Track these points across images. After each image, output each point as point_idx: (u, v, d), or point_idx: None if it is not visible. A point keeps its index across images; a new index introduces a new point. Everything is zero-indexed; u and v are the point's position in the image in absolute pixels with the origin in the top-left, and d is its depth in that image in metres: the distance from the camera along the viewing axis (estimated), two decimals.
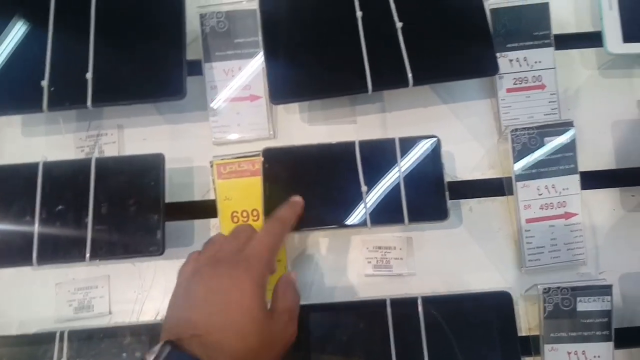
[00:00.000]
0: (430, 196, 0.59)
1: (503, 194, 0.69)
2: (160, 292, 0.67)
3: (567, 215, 0.65)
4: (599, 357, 0.61)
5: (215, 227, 0.69)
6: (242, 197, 0.66)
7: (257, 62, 0.71)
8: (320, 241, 0.68)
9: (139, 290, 0.67)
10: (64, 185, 0.61)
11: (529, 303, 0.65)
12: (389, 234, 0.68)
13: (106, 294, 0.67)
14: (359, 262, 0.67)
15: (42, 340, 0.58)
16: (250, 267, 0.47)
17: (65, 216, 0.60)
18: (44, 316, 0.66)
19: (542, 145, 0.66)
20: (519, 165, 0.65)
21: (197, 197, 0.70)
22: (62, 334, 0.58)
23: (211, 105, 0.71)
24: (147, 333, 0.58)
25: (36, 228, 0.59)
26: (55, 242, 0.59)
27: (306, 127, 0.72)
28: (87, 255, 0.59)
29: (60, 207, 0.60)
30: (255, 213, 0.66)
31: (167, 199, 0.64)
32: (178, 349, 0.41)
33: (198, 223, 0.69)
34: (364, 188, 0.59)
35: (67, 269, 0.68)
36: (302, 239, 0.68)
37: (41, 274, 0.68)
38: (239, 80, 0.71)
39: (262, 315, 0.46)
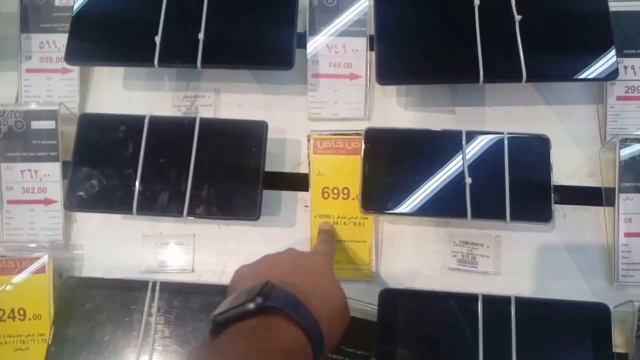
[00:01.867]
0: (534, 196, 0.58)
1: (600, 204, 0.67)
2: (242, 256, 0.68)
3: None
4: None
5: (302, 200, 0.69)
6: (334, 174, 0.66)
7: (362, 42, 0.70)
8: (407, 229, 0.68)
9: (222, 253, 0.68)
10: (168, 141, 0.63)
11: (617, 320, 0.63)
12: (477, 230, 0.67)
13: (191, 252, 0.68)
14: (443, 255, 0.66)
15: (135, 287, 0.59)
16: (323, 255, 0.54)
17: (167, 171, 0.61)
18: (128, 265, 0.68)
19: None
20: (625, 177, 0.63)
21: (287, 169, 0.71)
22: (154, 284, 0.59)
23: (311, 79, 0.71)
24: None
25: (138, 179, 0.61)
26: (154, 194, 0.61)
27: (402, 111, 0.72)
28: (185, 211, 0.60)
29: (162, 161, 0.62)
30: (345, 191, 0.66)
31: None
32: (277, 288, 0.42)
33: (286, 194, 0.70)
34: (468, 180, 0.58)
35: (156, 222, 0.69)
36: (390, 225, 0.67)
37: (131, 224, 0.69)
38: (341, 57, 0.71)
39: (338, 284, 0.48)
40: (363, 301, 0.61)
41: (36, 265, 0.64)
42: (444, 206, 0.58)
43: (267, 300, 0.40)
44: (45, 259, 0.64)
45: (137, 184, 0.61)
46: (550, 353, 0.55)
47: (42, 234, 0.68)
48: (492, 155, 0.59)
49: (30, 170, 0.69)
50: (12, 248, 0.67)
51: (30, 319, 0.64)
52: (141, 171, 0.61)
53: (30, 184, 0.69)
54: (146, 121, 0.63)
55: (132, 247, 0.69)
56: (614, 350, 0.61)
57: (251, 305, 0.39)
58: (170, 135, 0.63)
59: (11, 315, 0.64)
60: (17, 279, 0.64)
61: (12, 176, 0.69)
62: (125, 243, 0.69)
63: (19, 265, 0.64)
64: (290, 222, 0.69)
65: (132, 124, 0.63)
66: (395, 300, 0.57)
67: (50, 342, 0.58)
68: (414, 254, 0.67)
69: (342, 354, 0.60)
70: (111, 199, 0.61)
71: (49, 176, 0.69)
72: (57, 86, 0.74)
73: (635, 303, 0.59)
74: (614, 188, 0.64)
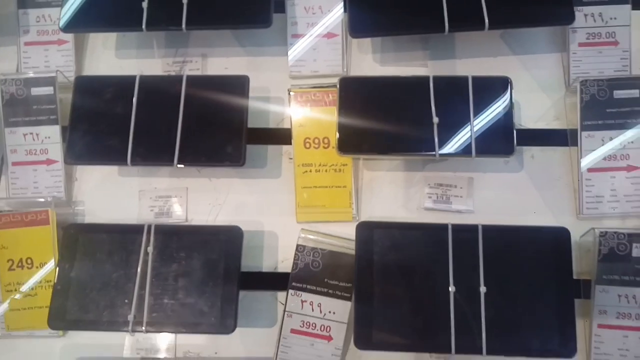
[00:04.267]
0: (498, 132, 0.62)
1: (566, 145, 0.71)
2: (232, 206, 0.72)
3: (630, 168, 0.67)
4: None
5: (286, 152, 0.74)
6: (314, 125, 0.70)
7: (338, 3, 0.75)
8: (385, 175, 0.72)
9: (213, 204, 0.73)
10: (158, 97, 0.67)
11: (582, 250, 0.67)
12: (451, 173, 0.71)
13: (184, 203, 0.73)
14: (419, 197, 0.71)
15: (131, 231, 0.64)
16: None
17: (157, 124, 0.66)
18: (126, 218, 0.72)
19: (611, 97, 0.67)
20: (586, 115, 0.67)
21: (272, 125, 0.75)
22: (149, 226, 0.64)
23: (290, 40, 0.75)
24: (225, 233, 0.63)
25: (131, 132, 0.66)
26: (147, 146, 0.66)
27: (378, 67, 0.76)
28: (175, 160, 0.64)
29: (153, 115, 0.66)
30: (325, 140, 0.70)
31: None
32: None
33: (271, 149, 0.74)
34: (435, 119, 0.62)
35: (150, 178, 0.74)
36: (369, 172, 0.72)
37: (126, 181, 0.74)
38: (318, 18, 0.75)
39: None
40: (343, 237, 0.66)
41: (40, 217, 0.69)
42: (414, 144, 0.63)
43: None
44: (48, 212, 0.69)
45: (130, 136, 0.66)
46: (515, 276, 0.59)
47: (45, 192, 0.73)
48: (458, 96, 0.63)
49: (32, 133, 0.74)
50: (18, 204, 0.72)
51: (37, 267, 0.69)
52: (134, 125, 0.66)
53: (32, 146, 0.74)
54: (137, 80, 0.68)
55: (129, 202, 0.73)
56: (579, 278, 0.65)
57: None
58: (159, 92, 0.68)
59: (20, 264, 0.69)
60: (24, 231, 0.69)
61: (16, 139, 0.74)
62: (122, 198, 0.74)
63: (25, 218, 0.69)
64: (276, 173, 0.74)
65: (124, 83, 0.68)
66: (372, 232, 0.61)
67: (55, 281, 0.63)
68: (392, 197, 0.71)
69: (325, 286, 0.65)
70: (107, 152, 0.66)
71: (50, 138, 0.74)
72: (54, 57, 0.79)
73: (596, 230, 0.63)
74: (577, 128, 0.68)
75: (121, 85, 0.68)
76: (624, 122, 0.67)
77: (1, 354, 0.70)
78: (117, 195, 0.74)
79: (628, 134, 0.67)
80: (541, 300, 0.58)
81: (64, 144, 0.72)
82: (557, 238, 0.59)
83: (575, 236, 0.67)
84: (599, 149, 0.67)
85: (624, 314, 0.63)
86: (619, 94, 0.67)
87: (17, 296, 0.68)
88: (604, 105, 0.67)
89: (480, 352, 0.57)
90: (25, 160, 0.74)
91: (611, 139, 0.67)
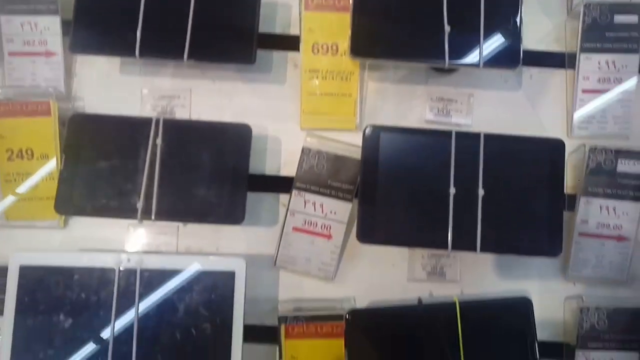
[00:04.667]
0: (506, 45, 0.64)
1: (564, 67, 0.74)
2: (236, 111, 0.73)
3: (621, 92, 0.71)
4: (626, 214, 0.68)
5: (291, 59, 0.74)
6: (324, 30, 0.70)
7: None
8: (390, 87, 0.74)
9: (217, 107, 0.73)
10: None
11: (569, 166, 0.72)
12: (452, 88, 0.73)
13: (187, 105, 0.73)
14: (421, 109, 0.73)
15: (140, 123, 0.64)
16: None
17: (168, 18, 0.65)
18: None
19: (611, 22, 0.70)
20: (586, 38, 0.70)
21: (279, 30, 0.75)
22: (158, 119, 0.64)
23: None
24: (234, 129, 0.64)
25: (140, 23, 0.64)
26: (156, 39, 0.65)
27: None
28: (186, 54, 0.64)
29: (163, 9, 0.65)
30: (334, 47, 0.71)
31: None
32: None
33: (276, 55, 0.74)
34: (447, 28, 0.64)
35: (153, 77, 0.73)
36: (372, 81, 0.73)
37: (128, 78, 0.73)
38: None
39: None
40: (348, 143, 0.68)
41: (41, 108, 0.68)
42: (426, 52, 0.64)
43: None
44: (49, 103, 0.68)
45: (139, 27, 0.64)
46: (512, 181, 0.62)
47: (44, 85, 0.71)
48: (469, 7, 0.64)
49: (30, 22, 0.71)
50: (16, 93, 0.70)
51: (37, 159, 0.68)
52: (143, 16, 0.65)
53: (30, 37, 0.71)
54: None
55: (131, 100, 0.73)
56: (565, 192, 0.69)
57: None
58: None
59: (19, 154, 0.68)
60: (24, 121, 0.68)
61: (12, 28, 0.71)
62: (124, 96, 0.73)
63: (25, 108, 0.68)
64: (281, 79, 0.74)
65: None
66: (378, 135, 0.63)
67: (62, 168, 0.62)
68: (395, 108, 0.73)
69: (328, 187, 0.67)
70: (115, 42, 0.65)
71: (49, 30, 0.71)
72: None
73: (586, 145, 0.67)
74: (576, 51, 0.71)
75: None
76: (621, 47, 0.70)
77: (0, 243, 0.70)
78: (118, 92, 0.73)
79: (622, 58, 0.70)
80: (534, 205, 0.62)
81: (64, 36, 0.70)
82: (553, 148, 0.63)
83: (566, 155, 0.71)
84: (594, 73, 0.70)
85: (603, 224, 0.68)
86: (619, 19, 0.69)
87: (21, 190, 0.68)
88: (604, 29, 0.70)
89: (474, 250, 0.61)
90: (23, 50, 0.72)
91: (607, 62, 0.70)
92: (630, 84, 0.70)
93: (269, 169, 0.72)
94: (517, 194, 0.63)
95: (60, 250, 0.66)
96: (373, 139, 0.63)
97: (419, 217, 0.62)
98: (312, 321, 0.65)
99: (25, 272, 0.61)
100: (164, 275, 0.61)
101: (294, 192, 0.68)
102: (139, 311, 0.60)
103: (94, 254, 0.62)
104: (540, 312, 0.68)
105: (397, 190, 0.63)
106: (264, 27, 0.74)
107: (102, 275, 0.61)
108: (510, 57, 0.65)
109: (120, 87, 0.73)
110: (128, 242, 0.70)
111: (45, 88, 0.70)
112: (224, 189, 0.63)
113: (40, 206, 0.68)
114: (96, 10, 0.66)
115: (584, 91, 0.71)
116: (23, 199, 0.69)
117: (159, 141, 0.63)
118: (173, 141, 0.64)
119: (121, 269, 0.61)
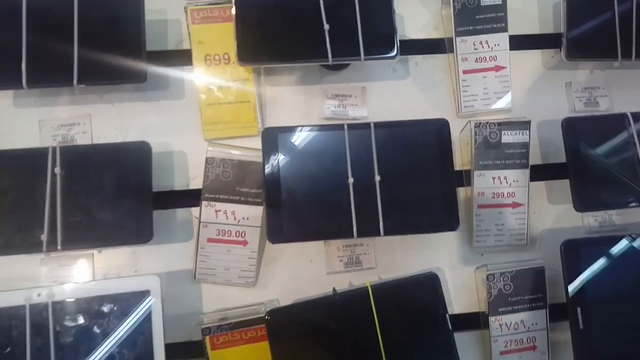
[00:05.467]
0: (383, 36, 0.68)
1: (444, 52, 0.79)
2: (138, 130, 0.73)
3: (497, 68, 0.76)
4: (517, 181, 0.73)
5: (187, 73, 0.75)
6: (214, 41, 0.72)
7: None
8: (285, 89, 0.76)
9: (119, 128, 0.73)
10: (50, 17, 0.66)
11: (463, 143, 0.77)
12: (346, 84, 0.77)
13: (88, 130, 0.72)
14: (318, 108, 0.76)
15: (35, 154, 0.63)
16: None
17: (53, 45, 0.65)
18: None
19: (479, 5, 0.75)
20: (459, 22, 0.75)
21: (171, 46, 0.76)
22: (54, 148, 0.63)
23: None
24: (133, 148, 0.65)
25: (24, 53, 0.64)
26: (43, 67, 0.64)
27: None
28: (75, 78, 0.64)
29: (46, 37, 0.65)
30: (226, 56, 0.73)
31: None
32: None
33: (172, 72, 0.76)
34: (326, 26, 0.67)
35: (50, 107, 0.73)
36: (269, 86, 0.76)
37: (24, 111, 0.72)
38: None
39: None
40: (251, 147, 0.70)
41: None
42: (310, 51, 0.68)
43: None
44: None
45: (23, 57, 0.64)
46: (405, 165, 0.66)
47: None
48: (344, 3, 0.68)
49: None
50: None
51: None
52: (26, 46, 0.64)
53: None
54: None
55: (29, 133, 0.72)
56: (461, 169, 0.74)
57: None
58: (51, 12, 0.66)
59: None
60: None
61: None
62: (21, 130, 0.72)
63: None
64: (179, 94, 0.75)
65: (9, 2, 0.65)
66: (276, 136, 0.65)
67: None
68: (294, 110, 0.76)
69: (237, 194, 0.69)
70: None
71: None
72: None
73: (471, 122, 0.72)
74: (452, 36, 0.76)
75: (7, 4, 0.66)
76: (490, 27, 0.75)
77: None
78: (14, 126, 0.72)
79: (494, 38, 0.76)
80: (428, 184, 0.66)
81: None
82: (438, 128, 0.67)
83: (456, 132, 0.76)
84: (471, 53, 0.76)
85: (497, 194, 0.73)
86: (485, 1, 0.75)
87: None
88: (474, 13, 0.75)
89: (378, 234, 0.65)
90: None
91: (480, 42, 0.76)
92: (504, 60, 0.76)
93: (178, 184, 0.73)
94: (412, 176, 0.66)
95: None
96: (271, 141, 0.66)
97: (324, 210, 0.65)
98: (235, 328, 0.66)
99: None
100: (78, 304, 0.61)
101: (204, 203, 0.69)
102: (56, 346, 0.59)
103: (1, 293, 0.61)
104: (455, 286, 0.73)
105: (300, 187, 0.65)
106: (156, 45, 0.75)
107: (13, 314, 0.60)
108: (389, 47, 0.69)
109: (16, 121, 0.73)
110: (41, 278, 0.69)
111: None
112: (128, 209, 0.63)
113: None
114: None
115: (465, 72, 0.76)
116: None
117: (57, 170, 0.63)
118: (73, 168, 0.64)
119: (31, 304, 0.60)
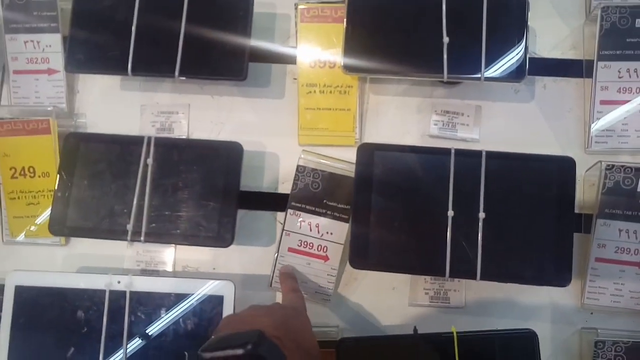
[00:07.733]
0: (510, 56, 0.60)
1: (581, 76, 0.68)
2: (234, 125, 0.71)
3: None
4: None
5: (290, 72, 0.72)
6: (322, 42, 0.68)
7: None
8: (392, 99, 0.70)
9: (215, 122, 0.72)
10: (160, 7, 0.65)
11: (587, 184, 0.66)
12: (459, 100, 0.69)
13: (185, 120, 0.72)
14: (425, 124, 0.69)
15: (131, 142, 0.64)
16: (305, 313, 0.56)
17: (160, 36, 0.64)
18: (128, 132, 0.71)
19: (633, 26, 0.64)
20: (604, 44, 0.64)
21: (277, 43, 0.73)
22: (149, 138, 0.63)
23: None
24: (225, 149, 0.63)
25: (132, 41, 0.64)
26: (148, 56, 0.64)
27: None
28: (177, 71, 0.63)
29: (155, 27, 0.64)
30: (332, 60, 0.68)
31: None
32: (267, 339, 0.43)
33: (275, 67, 0.72)
34: (445, 39, 0.60)
35: (152, 93, 0.73)
36: (375, 96, 0.70)
37: (128, 95, 0.73)
38: None
39: (317, 345, 0.51)
40: (344, 160, 0.65)
41: (42, 126, 0.69)
42: (423, 65, 0.61)
43: (257, 349, 0.41)
44: (49, 121, 0.69)
45: (131, 46, 0.64)
46: (516, 203, 0.58)
47: (47, 102, 0.72)
48: (470, 17, 0.60)
49: (32, 41, 0.72)
50: (20, 112, 0.71)
51: (39, 177, 0.69)
52: (135, 34, 0.64)
53: (33, 55, 0.72)
54: None
55: (131, 116, 0.72)
56: (581, 212, 0.64)
57: (240, 351, 0.41)
58: (162, 1, 0.65)
59: (22, 172, 0.70)
60: (25, 139, 0.69)
61: (16, 47, 0.72)
62: (124, 112, 0.73)
63: (26, 127, 0.69)
64: (279, 93, 0.72)
65: None
66: (372, 154, 0.60)
67: (56, 189, 0.63)
68: (397, 122, 0.70)
69: (324, 207, 0.65)
70: (107, 61, 0.65)
71: (51, 47, 0.72)
72: None
73: (603, 162, 0.62)
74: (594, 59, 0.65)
75: None
76: None
77: (5, 259, 0.71)
78: (119, 109, 0.73)
79: None
80: (540, 229, 0.58)
81: (64, 54, 0.70)
82: (562, 167, 0.58)
83: (581, 170, 0.66)
84: (613, 82, 0.65)
85: (622, 249, 0.63)
86: None
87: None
88: (625, 35, 0.64)
89: (474, 277, 0.58)
90: (27, 69, 0.73)
91: (627, 70, 0.64)
92: None
93: (267, 186, 0.70)
94: (522, 217, 0.58)
95: (54, 271, 0.67)
96: (366, 158, 0.61)
97: (415, 241, 0.59)
98: None
99: (20, 292, 0.61)
100: (153, 298, 0.60)
101: (289, 211, 0.66)
102: (128, 334, 0.59)
103: (85, 276, 0.62)
104: (554, 345, 0.64)
105: (392, 212, 0.60)
106: (263, 38, 0.72)
107: (93, 297, 0.61)
108: (515, 70, 0.60)
109: (121, 103, 0.73)
110: (128, 259, 0.70)
111: (46, 106, 0.71)
112: (212, 211, 0.61)
113: (43, 224, 0.69)
114: (90, 29, 0.66)
115: (603, 102, 0.65)
116: (26, 217, 0.70)
117: (149, 161, 0.63)
118: (164, 161, 0.63)
119: (111, 290, 0.61)
